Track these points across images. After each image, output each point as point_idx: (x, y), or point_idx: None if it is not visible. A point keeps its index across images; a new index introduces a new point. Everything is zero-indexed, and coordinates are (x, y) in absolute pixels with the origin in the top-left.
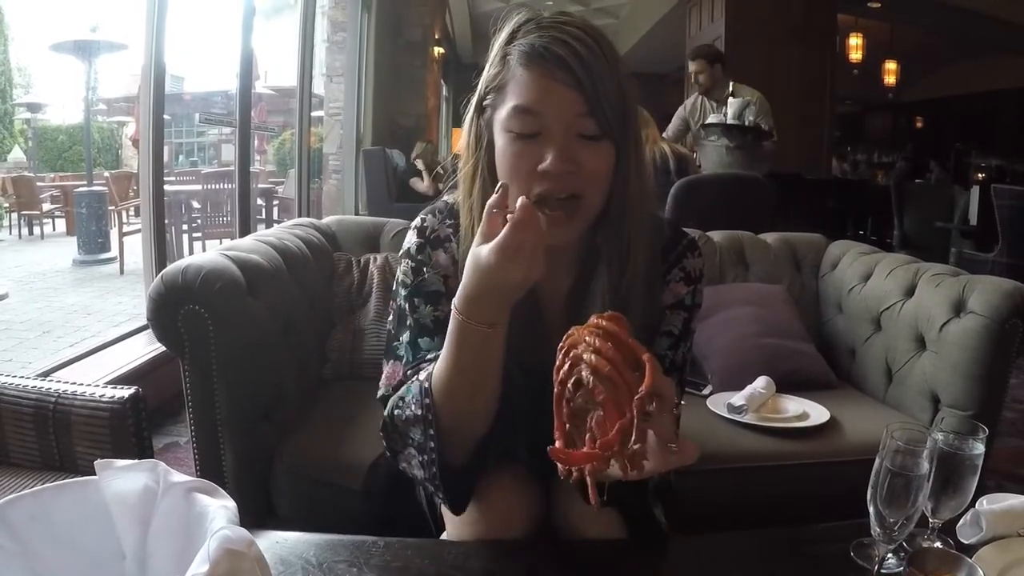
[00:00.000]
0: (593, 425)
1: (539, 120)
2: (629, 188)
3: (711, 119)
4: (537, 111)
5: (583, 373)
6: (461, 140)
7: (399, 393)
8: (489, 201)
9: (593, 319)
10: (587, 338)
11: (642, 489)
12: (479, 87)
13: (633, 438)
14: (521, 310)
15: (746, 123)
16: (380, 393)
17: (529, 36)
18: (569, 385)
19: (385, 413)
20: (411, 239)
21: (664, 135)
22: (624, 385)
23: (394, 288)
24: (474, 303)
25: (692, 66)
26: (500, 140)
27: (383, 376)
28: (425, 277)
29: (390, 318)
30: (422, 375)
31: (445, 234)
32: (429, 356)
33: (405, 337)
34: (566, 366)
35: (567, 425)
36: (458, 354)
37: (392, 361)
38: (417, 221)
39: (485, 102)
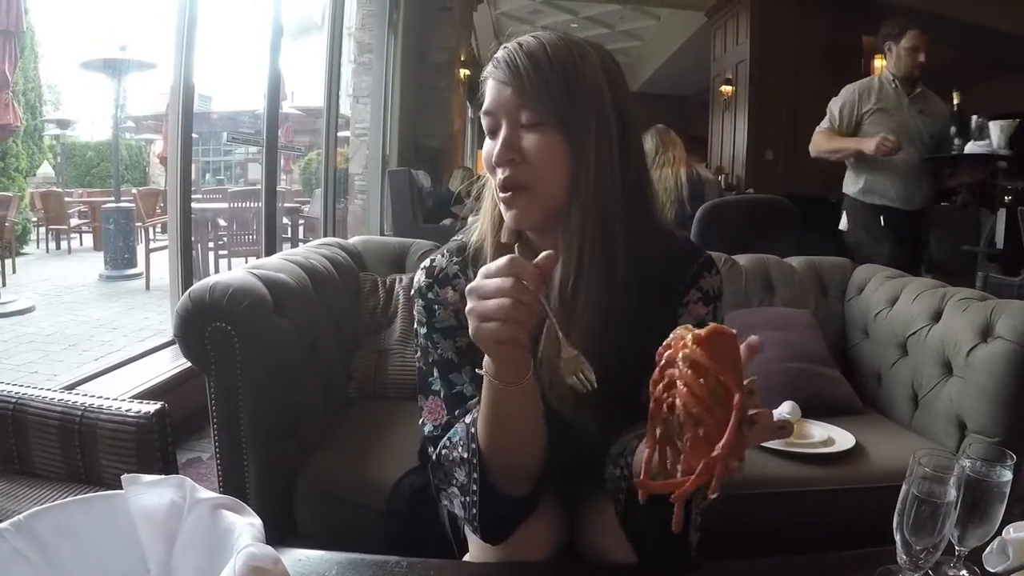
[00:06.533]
0: (686, 450)
1: (494, 119)
2: (586, 181)
3: (972, 148)
4: (490, 111)
5: (677, 401)
6: None
7: (448, 434)
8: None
9: (689, 337)
10: (680, 363)
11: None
12: None
13: (712, 485)
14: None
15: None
16: (427, 431)
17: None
18: (664, 408)
19: (433, 453)
20: (420, 279)
21: (819, 128)
22: (713, 424)
23: (415, 327)
24: (488, 365)
25: (907, 40)
26: None
27: (424, 411)
28: (437, 315)
29: (418, 355)
30: (468, 418)
31: (453, 272)
32: (468, 391)
33: (436, 373)
34: (662, 384)
35: (657, 443)
36: (488, 410)
37: (431, 397)
38: (427, 262)
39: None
